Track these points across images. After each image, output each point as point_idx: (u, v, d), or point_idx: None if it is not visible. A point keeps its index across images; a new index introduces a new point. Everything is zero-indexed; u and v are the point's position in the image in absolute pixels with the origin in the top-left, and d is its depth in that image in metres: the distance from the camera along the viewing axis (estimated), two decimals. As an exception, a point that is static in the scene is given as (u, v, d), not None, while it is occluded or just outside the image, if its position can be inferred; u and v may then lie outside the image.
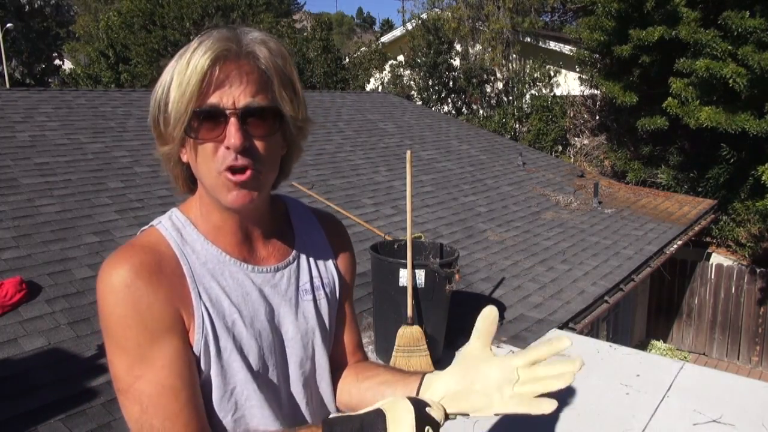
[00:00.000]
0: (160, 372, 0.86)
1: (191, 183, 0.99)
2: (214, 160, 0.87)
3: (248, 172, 0.88)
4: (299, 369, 1.03)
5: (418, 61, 13.67)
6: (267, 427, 0.97)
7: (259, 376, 0.96)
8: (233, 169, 0.87)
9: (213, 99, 0.86)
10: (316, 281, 1.06)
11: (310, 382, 1.05)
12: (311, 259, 1.07)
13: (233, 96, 0.86)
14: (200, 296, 0.91)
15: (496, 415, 0.89)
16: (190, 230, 0.96)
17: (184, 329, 0.89)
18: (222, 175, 0.87)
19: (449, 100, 14.03)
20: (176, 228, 0.95)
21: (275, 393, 0.99)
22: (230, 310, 0.94)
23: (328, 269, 1.10)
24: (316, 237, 1.10)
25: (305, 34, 16.68)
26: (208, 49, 0.86)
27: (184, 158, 0.93)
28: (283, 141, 0.95)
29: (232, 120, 0.86)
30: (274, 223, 1.04)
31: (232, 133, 0.85)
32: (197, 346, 0.90)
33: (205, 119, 0.86)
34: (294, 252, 1.04)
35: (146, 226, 0.98)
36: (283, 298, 1.01)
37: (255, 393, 0.95)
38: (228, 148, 0.86)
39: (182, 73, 0.86)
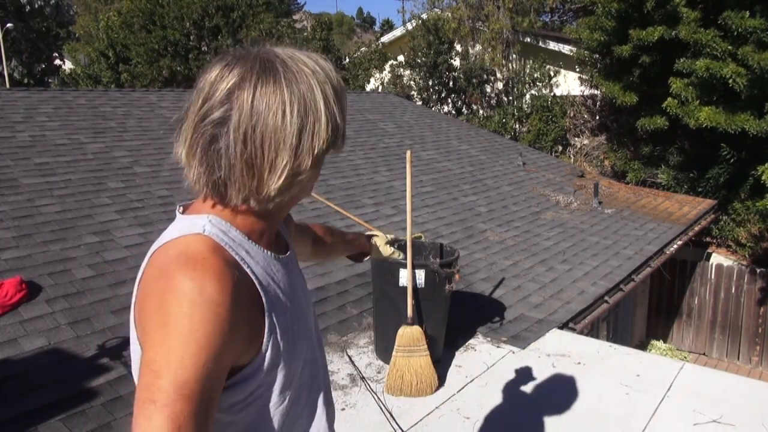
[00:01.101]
0: (210, 393, 0.84)
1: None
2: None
3: None
4: (317, 340, 1.18)
5: (418, 61, 13.67)
6: (315, 396, 1.11)
7: (305, 355, 1.07)
8: None
9: None
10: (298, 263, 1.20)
11: (321, 349, 1.21)
12: (293, 250, 1.19)
13: None
14: (267, 295, 0.96)
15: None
16: (235, 233, 0.96)
17: (240, 351, 0.91)
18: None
19: (449, 100, 14.03)
20: (223, 232, 0.95)
21: (312, 362, 1.11)
22: (285, 301, 1.01)
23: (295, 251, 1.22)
24: (285, 230, 1.21)
25: (305, 34, 16.69)
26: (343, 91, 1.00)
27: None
28: None
29: None
30: None
31: None
32: (265, 346, 0.94)
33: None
34: (286, 242, 1.16)
35: (186, 234, 0.93)
36: (299, 280, 1.13)
37: (301, 371, 1.06)
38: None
39: (337, 105, 0.96)
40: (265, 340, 0.94)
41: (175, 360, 0.82)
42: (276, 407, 1.00)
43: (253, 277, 0.94)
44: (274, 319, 0.95)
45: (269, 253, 1.01)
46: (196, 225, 0.94)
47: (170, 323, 0.83)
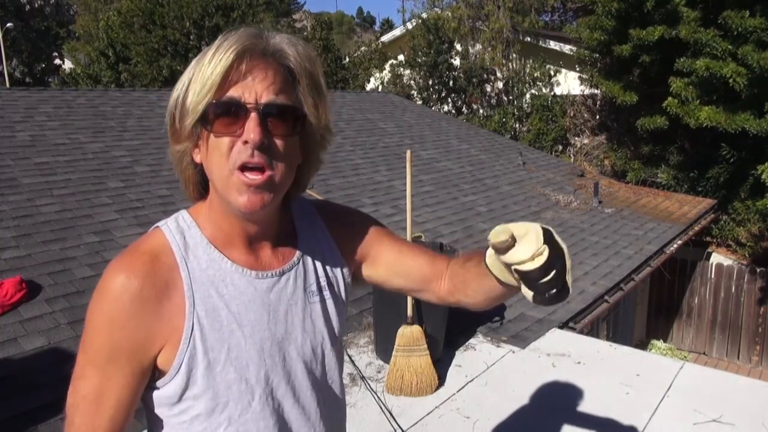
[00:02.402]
0: (104, 385, 0.88)
1: (202, 189, 0.96)
2: (230, 156, 0.84)
3: (264, 174, 0.85)
4: (308, 375, 0.99)
5: (419, 60, 13.66)
6: None
7: (258, 388, 0.93)
8: (248, 166, 0.84)
9: (234, 92, 0.84)
10: (323, 281, 1.02)
11: (321, 385, 1.02)
12: (316, 259, 1.02)
13: (256, 91, 0.84)
14: (194, 306, 0.89)
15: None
16: (194, 233, 0.93)
17: (148, 356, 0.88)
18: (235, 174, 0.84)
19: (449, 100, 14.02)
20: (181, 230, 0.93)
21: (279, 403, 0.96)
22: (228, 320, 0.91)
23: (334, 266, 1.05)
24: (318, 233, 1.05)
25: (305, 33, 16.68)
26: (235, 43, 0.84)
27: (197, 158, 0.91)
28: (302, 148, 0.93)
29: (253, 115, 0.84)
30: (280, 229, 1.01)
31: (251, 127, 0.83)
32: (179, 359, 0.88)
33: (224, 112, 0.84)
34: (298, 253, 1.00)
35: (153, 227, 0.96)
36: (289, 303, 0.97)
37: (251, 405, 0.92)
38: (246, 142, 0.83)
39: (204, 67, 0.84)
40: (179, 351, 0.88)
41: (82, 341, 0.89)
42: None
43: (186, 283, 0.89)
44: (196, 332, 0.88)
45: (230, 263, 0.92)
46: (165, 220, 0.96)
47: (88, 307, 0.89)
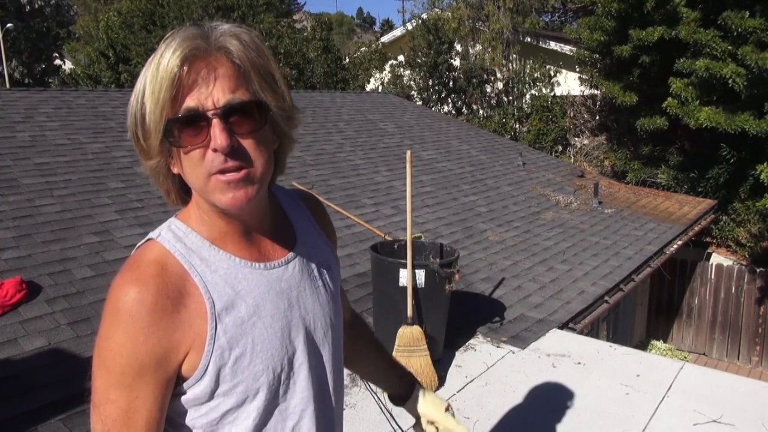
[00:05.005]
0: (133, 403, 0.85)
1: (184, 194, 0.96)
2: (203, 164, 0.84)
3: (241, 172, 0.85)
4: (324, 357, 1.03)
5: (419, 61, 13.67)
6: (296, 424, 0.98)
7: (283, 375, 0.95)
8: (224, 171, 0.84)
9: (190, 102, 0.82)
10: (320, 266, 1.05)
11: (334, 367, 1.05)
12: (311, 247, 1.05)
13: (211, 95, 0.82)
14: (214, 307, 0.89)
15: None
16: (193, 238, 0.92)
17: (173, 366, 0.87)
18: (213, 177, 0.84)
19: (449, 100, 14.03)
20: (178, 238, 0.91)
21: (301, 387, 0.98)
22: (248, 314, 0.92)
23: (324, 252, 1.08)
24: (307, 222, 1.09)
25: (305, 34, 16.68)
26: (175, 50, 0.81)
27: (175, 170, 0.90)
28: (273, 134, 0.92)
29: (215, 121, 0.82)
30: (274, 219, 1.02)
31: (217, 134, 0.82)
32: (205, 360, 0.88)
33: (185, 125, 0.82)
34: (297, 242, 1.03)
35: (143, 240, 0.93)
36: (299, 289, 0.99)
37: (278, 392, 0.95)
38: (215, 150, 0.82)
39: (154, 79, 0.82)
40: (205, 353, 0.88)
41: (99, 363, 0.86)
42: (238, 423, 0.93)
43: (201, 286, 0.88)
44: (220, 330, 0.88)
45: (237, 259, 0.93)
46: (157, 231, 0.93)
47: (100, 327, 0.87)
